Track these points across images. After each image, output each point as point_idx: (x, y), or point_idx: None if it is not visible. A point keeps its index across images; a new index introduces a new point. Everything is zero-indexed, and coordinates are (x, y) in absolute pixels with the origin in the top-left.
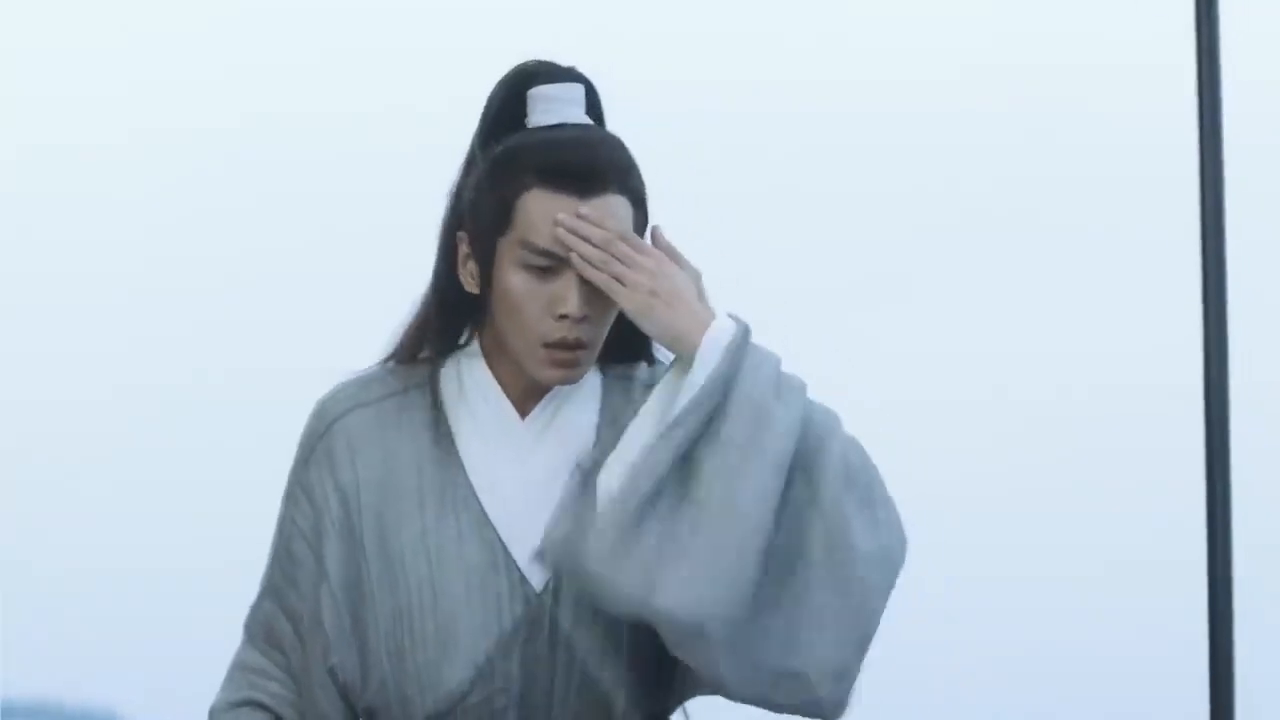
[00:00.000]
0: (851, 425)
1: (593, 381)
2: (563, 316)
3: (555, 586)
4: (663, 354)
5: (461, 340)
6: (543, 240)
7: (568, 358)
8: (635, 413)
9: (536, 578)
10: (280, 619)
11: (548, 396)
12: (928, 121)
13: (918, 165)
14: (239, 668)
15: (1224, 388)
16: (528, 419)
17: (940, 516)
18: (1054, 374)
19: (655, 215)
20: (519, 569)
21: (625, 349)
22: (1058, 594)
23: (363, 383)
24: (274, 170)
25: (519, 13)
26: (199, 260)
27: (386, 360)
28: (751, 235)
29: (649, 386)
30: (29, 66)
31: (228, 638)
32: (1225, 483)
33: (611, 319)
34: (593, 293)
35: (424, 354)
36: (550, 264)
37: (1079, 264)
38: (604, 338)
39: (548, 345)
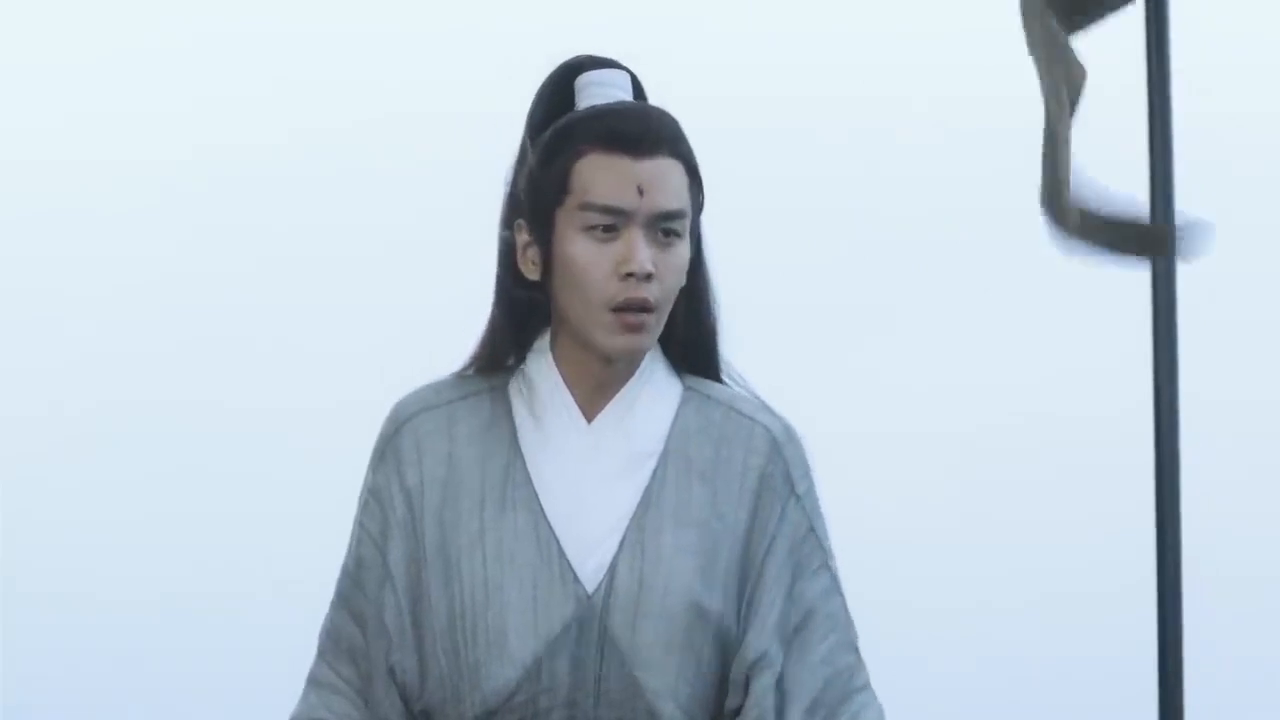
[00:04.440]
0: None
1: (671, 390)
2: (629, 275)
3: (608, 589)
4: (730, 373)
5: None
6: (601, 197)
7: (636, 321)
8: (707, 431)
9: (589, 579)
10: (350, 626)
11: (617, 397)
12: (860, 149)
13: (863, 191)
14: (311, 683)
15: (1174, 413)
16: (595, 420)
17: (897, 544)
18: (1005, 401)
19: None
20: (572, 569)
21: (693, 350)
22: (1013, 622)
23: (435, 387)
24: (294, 188)
25: (538, 25)
26: (219, 276)
27: (463, 371)
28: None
29: (731, 409)
30: (56, 84)
31: (234, 668)
32: (1175, 508)
33: (678, 283)
34: (658, 251)
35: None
36: (612, 221)
37: (1029, 291)
38: (671, 303)
39: (615, 309)
